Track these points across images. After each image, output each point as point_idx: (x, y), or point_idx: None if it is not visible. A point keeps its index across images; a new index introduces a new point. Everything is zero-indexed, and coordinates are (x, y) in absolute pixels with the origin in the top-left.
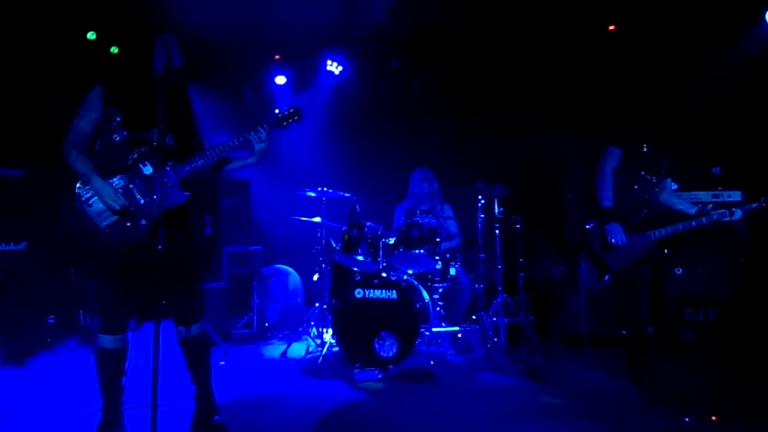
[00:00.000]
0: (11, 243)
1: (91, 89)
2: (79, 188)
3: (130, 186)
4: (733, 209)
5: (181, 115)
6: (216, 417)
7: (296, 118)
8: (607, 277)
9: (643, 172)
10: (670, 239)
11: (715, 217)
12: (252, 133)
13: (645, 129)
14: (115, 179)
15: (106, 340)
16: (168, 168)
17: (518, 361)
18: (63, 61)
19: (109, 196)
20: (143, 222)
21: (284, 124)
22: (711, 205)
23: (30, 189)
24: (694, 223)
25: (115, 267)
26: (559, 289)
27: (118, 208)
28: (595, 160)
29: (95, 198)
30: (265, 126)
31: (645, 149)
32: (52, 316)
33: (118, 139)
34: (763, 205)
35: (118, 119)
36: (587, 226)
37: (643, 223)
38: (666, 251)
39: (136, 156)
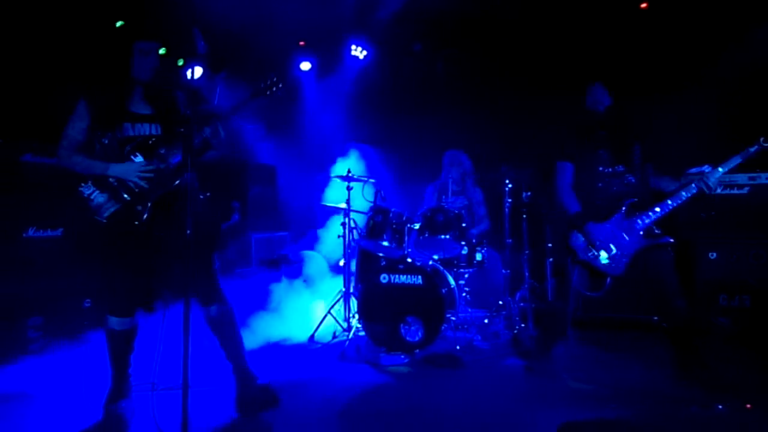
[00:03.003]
0: (48, 229)
1: (77, 103)
2: (82, 186)
3: None
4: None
5: (167, 107)
6: (259, 381)
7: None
8: (608, 280)
9: (601, 168)
10: (701, 223)
11: (694, 185)
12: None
13: (590, 135)
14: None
15: (115, 322)
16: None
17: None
18: (92, 49)
19: (135, 172)
20: (148, 204)
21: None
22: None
23: (65, 176)
24: (683, 193)
25: (119, 254)
26: None
27: (151, 175)
28: (552, 177)
29: (96, 193)
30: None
31: (598, 150)
32: (88, 300)
33: (106, 142)
34: (764, 145)
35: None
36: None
37: (629, 213)
38: (663, 238)
39: (128, 149)
